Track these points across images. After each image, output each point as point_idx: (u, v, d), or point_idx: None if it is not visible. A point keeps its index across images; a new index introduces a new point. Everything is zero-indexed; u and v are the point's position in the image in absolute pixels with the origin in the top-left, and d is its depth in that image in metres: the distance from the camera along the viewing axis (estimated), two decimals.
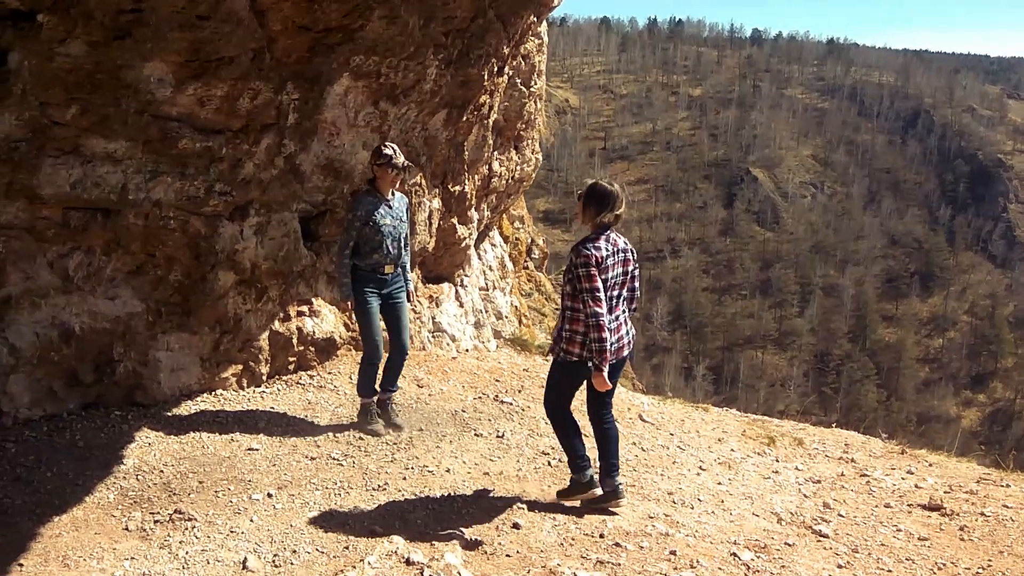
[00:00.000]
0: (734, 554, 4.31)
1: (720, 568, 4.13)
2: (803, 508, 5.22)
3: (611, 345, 4.42)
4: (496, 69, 6.81)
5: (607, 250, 4.40)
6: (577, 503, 4.77)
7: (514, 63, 7.35)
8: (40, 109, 4.11)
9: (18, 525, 4.14)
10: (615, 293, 4.51)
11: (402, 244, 5.60)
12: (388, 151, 5.30)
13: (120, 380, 5.28)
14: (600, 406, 4.76)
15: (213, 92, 4.66)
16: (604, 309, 4.30)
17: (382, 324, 5.65)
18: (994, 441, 52.91)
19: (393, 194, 5.52)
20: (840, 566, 4.33)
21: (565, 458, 5.29)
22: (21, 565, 3.83)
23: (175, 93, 4.52)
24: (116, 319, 5.17)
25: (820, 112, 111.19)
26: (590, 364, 4.39)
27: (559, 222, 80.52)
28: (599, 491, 4.73)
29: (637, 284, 4.72)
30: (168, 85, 4.45)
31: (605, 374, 4.36)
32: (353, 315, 6.79)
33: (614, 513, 4.69)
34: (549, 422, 4.86)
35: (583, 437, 4.76)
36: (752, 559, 4.27)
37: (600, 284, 4.31)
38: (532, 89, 7.80)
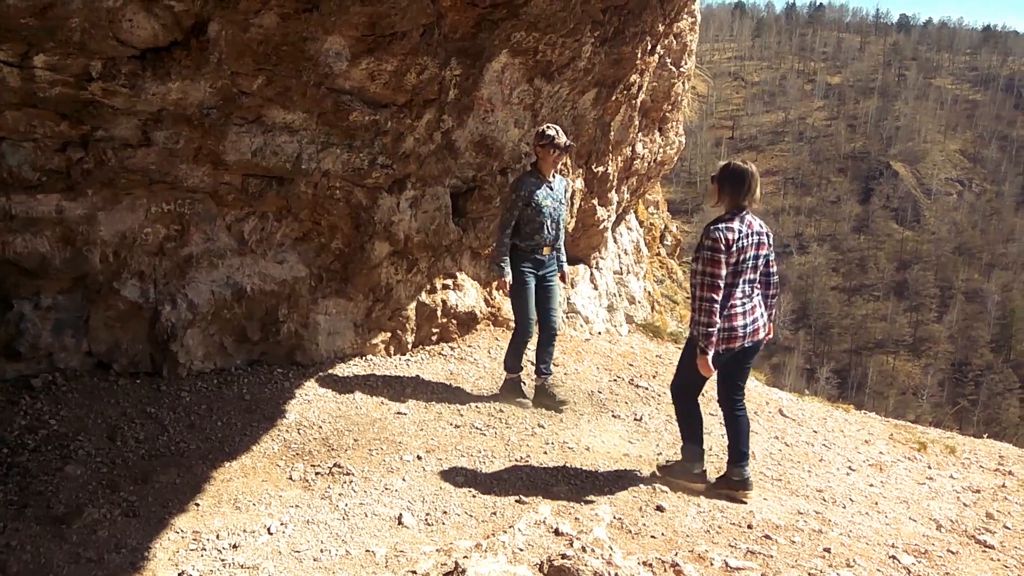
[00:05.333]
0: (893, 557, 4.12)
1: (879, 570, 3.95)
2: (964, 517, 4.93)
3: (745, 328, 4.36)
4: (649, 47, 6.71)
5: (741, 231, 4.26)
6: (701, 488, 4.68)
7: (666, 41, 7.21)
8: (231, 78, 4.38)
9: (193, 468, 4.47)
10: (749, 277, 4.37)
11: (560, 226, 5.64)
12: (551, 132, 5.34)
13: (283, 340, 5.59)
14: (731, 391, 4.65)
15: (384, 67, 4.83)
16: (719, 296, 4.21)
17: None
18: None
19: (554, 176, 5.56)
20: None
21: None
22: (198, 504, 4.14)
23: (350, 67, 4.71)
24: (283, 282, 5.47)
25: (971, 104, 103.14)
26: (699, 347, 4.31)
27: (680, 212, 78.52)
28: (701, 486, 4.69)
29: (774, 269, 4.55)
30: (344, 59, 4.64)
31: (709, 358, 4.28)
32: (497, 291, 6.92)
33: (743, 502, 4.59)
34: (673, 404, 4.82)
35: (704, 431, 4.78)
36: (913, 563, 4.07)
37: (721, 271, 4.20)
38: (682, 69, 7.63)
